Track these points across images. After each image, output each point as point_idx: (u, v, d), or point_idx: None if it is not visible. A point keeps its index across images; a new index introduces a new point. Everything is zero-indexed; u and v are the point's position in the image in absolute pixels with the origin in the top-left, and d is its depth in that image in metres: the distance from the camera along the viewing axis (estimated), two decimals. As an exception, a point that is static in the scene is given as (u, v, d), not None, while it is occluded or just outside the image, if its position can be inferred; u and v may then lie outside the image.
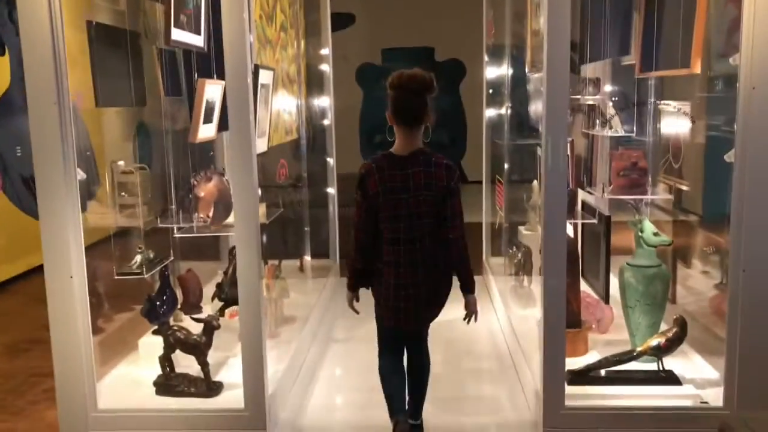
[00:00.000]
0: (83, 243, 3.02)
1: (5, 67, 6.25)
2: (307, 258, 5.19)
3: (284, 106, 4.87)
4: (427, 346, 3.10)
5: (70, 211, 2.96)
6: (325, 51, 5.77)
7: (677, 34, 3.17)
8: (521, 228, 5.43)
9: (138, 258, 3.39)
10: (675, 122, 3.87)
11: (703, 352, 3.62)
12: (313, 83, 6.03)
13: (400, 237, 2.81)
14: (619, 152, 3.42)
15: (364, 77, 12.22)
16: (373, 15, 12.11)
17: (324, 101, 5.90)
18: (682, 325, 3.27)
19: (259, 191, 4.33)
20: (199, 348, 3.35)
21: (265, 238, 5.35)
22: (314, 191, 5.86)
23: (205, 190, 3.30)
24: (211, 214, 3.32)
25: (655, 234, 3.48)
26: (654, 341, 3.29)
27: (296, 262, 5.77)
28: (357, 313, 3.00)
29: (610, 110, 3.67)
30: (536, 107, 4.32)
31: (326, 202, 6.04)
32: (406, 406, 3.02)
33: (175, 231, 3.40)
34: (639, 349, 3.33)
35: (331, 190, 5.98)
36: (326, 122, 5.92)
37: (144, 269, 3.30)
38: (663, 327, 3.53)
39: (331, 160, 5.95)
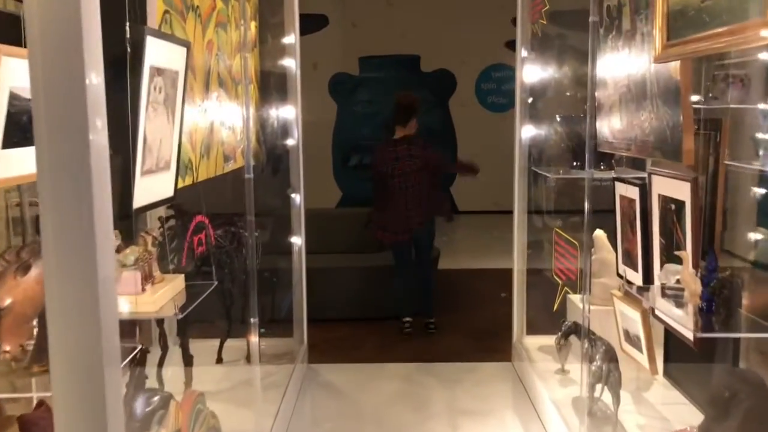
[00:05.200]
0: None
1: None
2: (254, 339, 3.40)
3: (222, 117, 3.09)
4: None
5: None
6: (290, 39, 4.00)
7: None
8: (574, 298, 3.70)
9: None
10: None
11: None
12: (271, 87, 4.27)
13: None
14: None
15: (338, 89, 10.49)
16: (349, 17, 10.39)
17: (287, 112, 4.12)
18: None
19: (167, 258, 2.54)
20: None
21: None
22: (271, 241, 4.08)
23: (16, 291, 1.51)
24: (29, 345, 1.52)
25: None
26: None
27: (244, 344, 3.95)
28: None
29: None
30: (655, 120, 2.58)
31: (289, 254, 4.24)
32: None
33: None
34: None
35: (297, 240, 4.19)
36: (290, 142, 4.14)
37: None
38: None
39: (297, 196, 4.16)
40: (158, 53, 1.81)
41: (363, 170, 10.68)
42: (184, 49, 2.06)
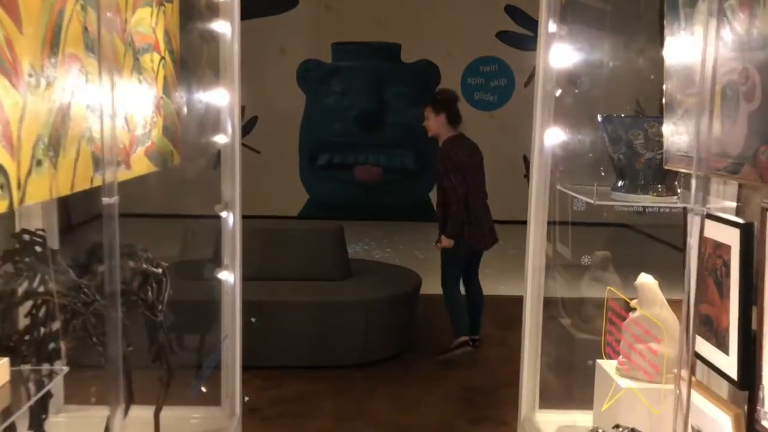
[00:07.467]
0: None
1: None
2: (116, 422, 2.27)
3: (91, 99, 1.95)
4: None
5: None
6: (223, -4, 2.86)
7: None
8: (608, 368, 2.62)
9: None
10: None
11: None
12: (201, 63, 3.13)
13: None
14: None
15: (307, 77, 9.33)
16: (323, -3, 9.24)
17: (218, 98, 2.98)
18: None
19: None
20: None
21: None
22: (184, 282, 2.94)
23: None
24: None
25: None
26: None
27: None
28: None
29: None
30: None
31: (214, 296, 3.10)
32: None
33: None
34: None
35: (228, 277, 3.04)
36: (222, 140, 3.00)
37: None
38: None
39: (229, 215, 3.02)
40: None
41: (333, 170, 9.59)
42: None
